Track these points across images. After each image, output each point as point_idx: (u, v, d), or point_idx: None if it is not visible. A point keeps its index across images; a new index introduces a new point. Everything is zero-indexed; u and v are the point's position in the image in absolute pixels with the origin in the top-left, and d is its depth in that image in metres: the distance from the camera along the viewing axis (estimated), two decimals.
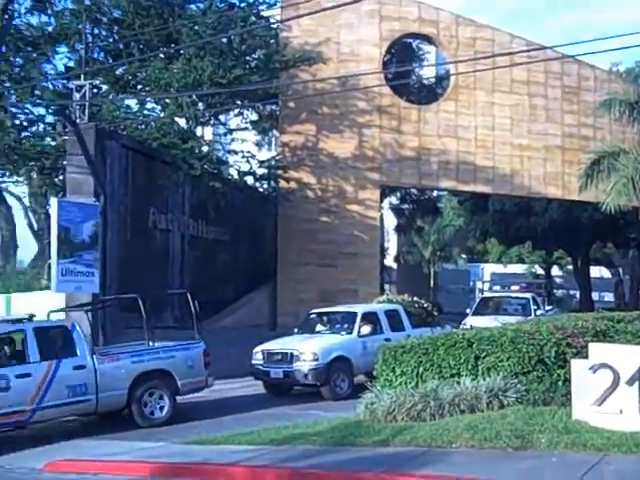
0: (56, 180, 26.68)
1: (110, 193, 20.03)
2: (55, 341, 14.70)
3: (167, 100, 25.53)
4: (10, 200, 28.78)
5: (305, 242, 27.40)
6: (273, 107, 30.88)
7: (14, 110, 27.89)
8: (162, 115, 26.01)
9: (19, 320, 14.64)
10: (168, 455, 12.15)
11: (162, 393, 15.12)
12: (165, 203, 22.66)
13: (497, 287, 29.19)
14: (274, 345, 18.24)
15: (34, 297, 19.76)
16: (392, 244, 44.56)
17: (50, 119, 28.38)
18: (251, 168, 27.38)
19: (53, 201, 20.03)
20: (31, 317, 14.90)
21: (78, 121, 20.12)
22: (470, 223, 44.06)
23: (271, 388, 18.27)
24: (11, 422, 13.89)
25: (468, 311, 25.19)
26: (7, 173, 28.43)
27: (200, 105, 27.47)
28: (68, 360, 14.29)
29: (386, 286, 35.70)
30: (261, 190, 28.69)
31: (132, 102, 27.01)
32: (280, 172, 27.73)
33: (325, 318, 19.61)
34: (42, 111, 28.18)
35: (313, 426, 13.10)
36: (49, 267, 19.32)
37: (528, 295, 26.48)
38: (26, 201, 29.81)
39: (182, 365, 15.43)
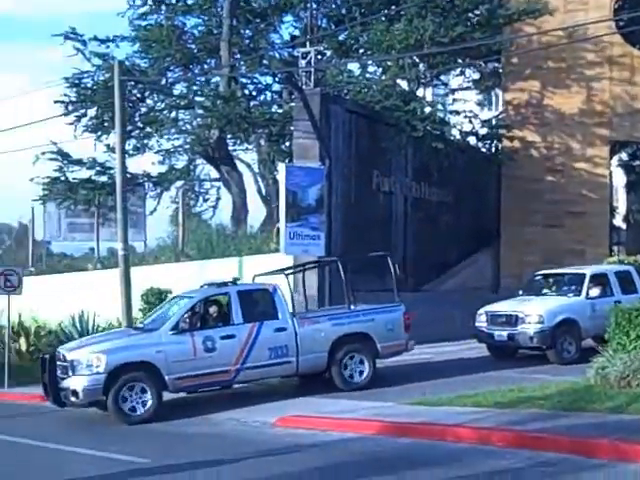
0: (283, 146, 27.62)
1: (335, 157, 20.40)
2: (258, 304, 15.03)
3: (389, 62, 25.59)
4: (240, 167, 30.09)
5: (529, 202, 26.59)
6: (496, 64, 30.11)
7: (244, 80, 29.22)
8: (384, 78, 26.13)
9: (224, 283, 15.12)
10: (394, 415, 12.28)
11: (362, 357, 15.06)
12: (388, 166, 22.78)
13: None
14: (499, 307, 17.81)
15: (264, 260, 20.54)
16: (621, 203, 42.27)
17: (277, 87, 29.49)
18: (473, 128, 26.93)
19: (281, 166, 20.70)
20: (235, 281, 15.41)
21: (304, 87, 20.63)
22: None
23: (495, 351, 17.92)
24: (217, 382, 14.48)
25: None
26: (238, 141, 29.79)
27: (421, 66, 27.35)
28: (270, 322, 14.58)
29: (614, 247, 33.92)
30: (484, 150, 28.15)
31: (354, 66, 27.36)
32: (503, 131, 27.04)
33: (551, 280, 18.94)
34: (269, 80, 29.30)
35: (540, 390, 12.82)
36: (278, 231, 20.03)
37: None
38: (255, 168, 31.13)
39: (382, 328, 15.28)
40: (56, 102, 27.51)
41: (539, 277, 19.11)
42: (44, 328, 22.42)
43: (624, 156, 37.46)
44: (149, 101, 29.02)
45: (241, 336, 14.30)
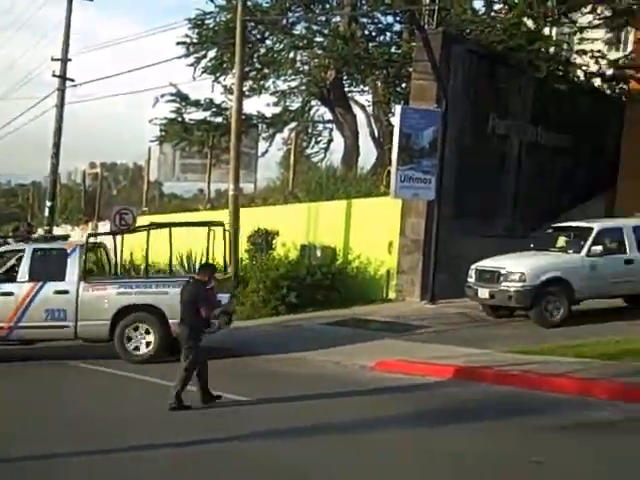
0: (399, 88, 27.11)
1: (452, 99, 19.81)
2: (49, 264, 14.50)
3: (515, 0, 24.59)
4: (355, 109, 29.75)
5: None
6: (630, 0, 28.41)
7: (364, 20, 28.74)
8: (509, 16, 25.12)
9: (52, 238, 15.58)
10: (493, 362, 12.08)
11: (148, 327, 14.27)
12: (505, 108, 21.97)
13: None
14: (488, 262, 16.24)
15: (373, 202, 20.38)
16: None
17: (397, 28, 28.83)
18: (600, 69, 25.56)
19: (397, 108, 20.28)
20: (66, 237, 15.79)
21: (426, 27, 20.07)
22: None
23: (487, 309, 16.53)
24: None
25: None
26: (354, 83, 29.45)
27: (550, 3, 26.14)
28: (53, 284, 14.15)
29: None
30: (609, 92, 26.76)
31: (479, 4, 26.45)
32: (632, 72, 25.56)
33: (563, 234, 17.16)
34: (390, 20, 28.67)
35: None
36: (388, 173, 19.72)
37: None
38: (369, 110, 30.70)
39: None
40: (178, 44, 27.90)
41: (551, 230, 17.41)
42: (153, 267, 22.91)
43: None
44: (268, 42, 28.98)
45: (19, 294, 14.06)
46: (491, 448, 8.14)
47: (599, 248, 15.57)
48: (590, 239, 15.67)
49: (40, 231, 25.70)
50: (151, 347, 13.93)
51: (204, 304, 10.40)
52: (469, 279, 16.28)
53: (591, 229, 15.97)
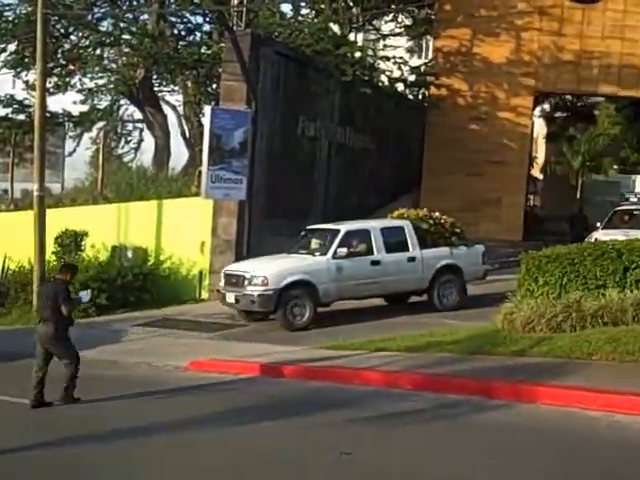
0: (209, 89, 27.12)
1: (262, 100, 20.06)
2: None
3: (322, 5, 25.23)
4: (165, 109, 29.51)
5: (452, 150, 26.67)
6: (428, 11, 29.93)
7: (173, 19, 28.49)
8: (316, 21, 25.75)
9: None
10: (305, 359, 12.38)
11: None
12: (314, 110, 22.52)
13: (634, 199, 24.19)
14: (235, 266, 16.38)
15: (184, 203, 20.29)
16: (540, 154, 42.86)
17: (207, 28, 28.80)
18: (402, 75, 26.78)
19: (207, 108, 20.32)
20: None
21: (235, 28, 20.18)
22: (627, 131, 41.68)
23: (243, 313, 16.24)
24: None
25: (598, 225, 21.06)
26: (164, 82, 29.16)
27: (355, 10, 27.03)
28: None
29: (530, 196, 34.48)
30: (411, 97, 28.08)
31: (287, 8, 26.91)
32: (431, 79, 26.97)
33: (315, 235, 17.00)
34: (200, 20, 28.61)
35: (450, 335, 12.99)
36: (199, 174, 19.71)
37: None
38: (180, 110, 30.56)
39: None
40: None
41: (304, 232, 17.13)
42: None
43: (546, 107, 37.94)
44: (73, 37, 28.11)
45: None
46: (302, 443, 8.25)
47: (344, 250, 15.53)
48: (336, 241, 15.64)
49: None
50: None
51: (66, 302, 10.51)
52: (220, 283, 16.10)
53: (337, 231, 16.00)
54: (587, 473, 7.12)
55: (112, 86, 27.74)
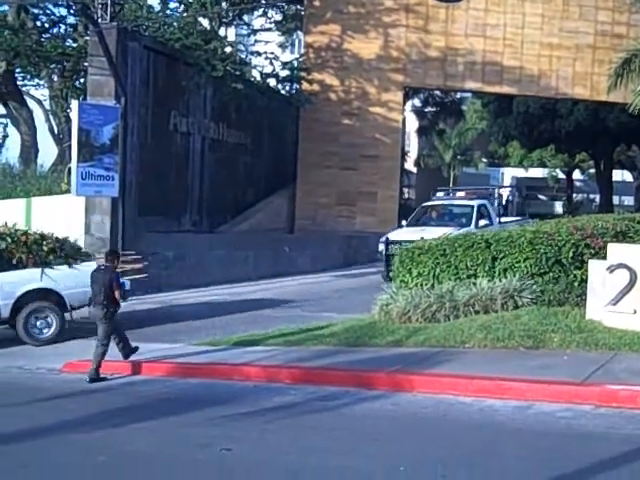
0: (77, 83, 26.43)
1: (131, 95, 19.78)
2: None
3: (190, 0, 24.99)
4: (31, 104, 28.54)
5: (326, 145, 27.06)
6: (298, 7, 30.13)
7: (35, 11, 27.55)
8: (185, 15, 25.47)
9: None
10: (182, 355, 12.31)
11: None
12: (186, 106, 22.37)
13: (440, 194, 23.47)
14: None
15: (54, 201, 19.75)
16: (413, 147, 43.95)
17: (72, 20, 28.01)
18: (274, 70, 26.87)
19: (74, 103, 19.83)
20: None
21: (100, 21, 19.73)
22: (493, 126, 43.44)
23: None
24: None
25: (404, 222, 21.40)
26: (28, 76, 28.21)
27: (224, 4, 26.87)
28: None
29: (405, 189, 35.32)
30: (283, 93, 28.22)
31: (155, 1, 26.47)
32: (303, 74, 27.19)
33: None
34: (64, 12, 27.78)
35: (327, 327, 13.15)
36: (69, 171, 19.22)
37: (474, 203, 21.17)
38: (47, 105, 29.62)
39: None
40: None
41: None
42: None
43: (417, 102, 38.90)
44: None
45: None
46: (178, 441, 8.17)
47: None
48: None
49: None
50: None
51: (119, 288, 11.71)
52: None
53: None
54: (461, 455, 7.38)
55: None
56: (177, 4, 27.22)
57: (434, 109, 39.71)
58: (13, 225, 14.75)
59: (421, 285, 12.93)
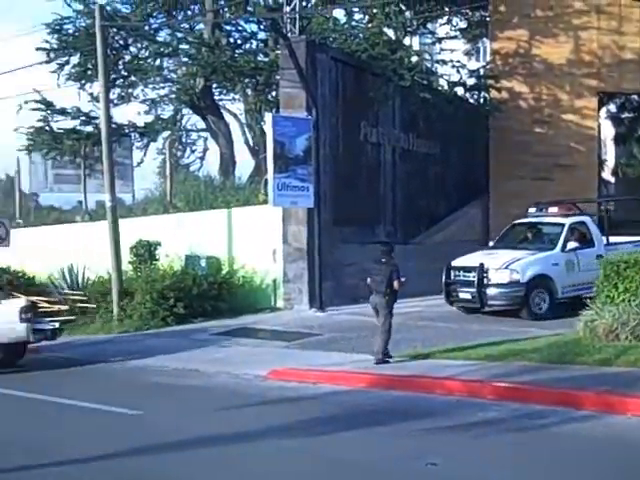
0: (269, 96, 27.37)
1: (322, 107, 20.20)
2: None
3: (374, 10, 25.28)
4: (227, 118, 29.83)
5: (518, 154, 26.43)
6: (483, 13, 29.82)
7: (229, 28, 28.82)
8: (370, 25, 25.83)
9: None
10: (384, 368, 12.48)
11: None
12: (375, 116, 22.63)
13: (532, 209, 19.70)
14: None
15: (253, 211, 20.58)
16: (609, 156, 42.05)
17: (262, 36, 29.10)
18: (461, 78, 26.69)
19: (268, 116, 20.55)
20: None
21: (289, 35, 20.36)
22: None
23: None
24: None
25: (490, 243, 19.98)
26: (224, 91, 29.47)
27: (407, 14, 27.03)
28: None
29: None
30: (471, 101, 27.99)
31: (340, 14, 27.00)
32: (491, 82, 26.88)
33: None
34: (254, 28, 28.91)
35: (530, 343, 12.98)
36: (266, 182, 19.96)
37: (566, 221, 18.11)
38: (242, 118, 30.86)
39: None
40: (38, 49, 27.06)
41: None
42: (33, 281, 22.37)
43: (612, 108, 37.25)
44: (133, 48, 28.57)
45: None
46: (386, 452, 8.23)
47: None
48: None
49: None
50: None
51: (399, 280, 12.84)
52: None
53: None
54: None
55: (174, 96, 28.16)
56: (362, 15, 27.69)
57: (632, 115, 37.98)
58: None
59: (628, 301, 12.51)
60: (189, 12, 29.64)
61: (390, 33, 27.06)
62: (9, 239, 19.09)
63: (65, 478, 7.78)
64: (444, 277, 17.34)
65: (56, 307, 14.72)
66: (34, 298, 14.51)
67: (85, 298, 16.24)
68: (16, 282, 14.96)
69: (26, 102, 26.92)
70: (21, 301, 14.36)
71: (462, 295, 17.11)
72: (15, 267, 22.18)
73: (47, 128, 27.38)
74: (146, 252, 20.00)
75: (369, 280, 13.27)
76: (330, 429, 9.22)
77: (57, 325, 14.71)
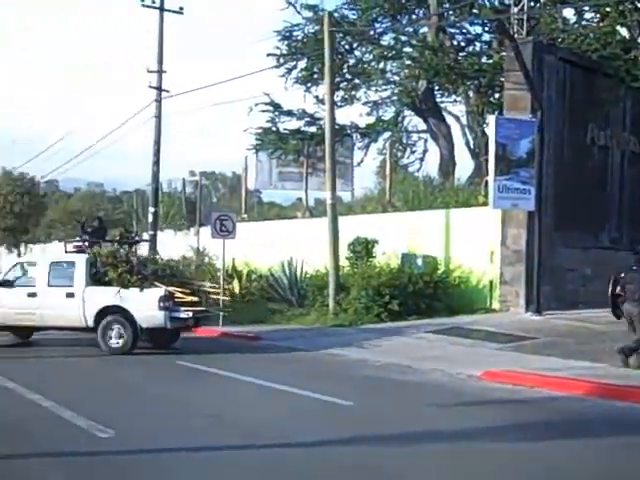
0: (492, 98, 27.00)
1: (547, 109, 19.68)
2: None
3: (607, 8, 24.25)
4: (448, 120, 29.75)
5: None
6: None
7: (452, 31, 28.76)
8: (602, 24, 24.80)
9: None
10: (605, 376, 11.89)
11: None
12: (604, 118, 21.69)
13: None
14: None
15: (471, 213, 20.39)
16: None
17: (486, 37, 28.79)
18: None
19: (491, 118, 20.25)
20: None
21: (516, 36, 19.99)
22: None
23: None
24: None
25: None
26: (446, 93, 29.45)
27: None
28: None
29: None
30: None
31: (569, 13, 26.14)
32: None
33: None
34: (479, 30, 28.66)
35: None
36: (486, 184, 19.70)
37: None
38: (463, 120, 30.67)
39: None
40: (268, 55, 28.50)
41: None
42: (255, 272, 23.49)
43: None
44: (357, 52, 29.35)
45: None
46: (603, 465, 7.81)
47: None
48: None
49: (145, 235, 26.48)
50: None
51: None
52: None
53: None
54: None
55: (396, 98, 28.56)
56: (593, 14, 26.63)
57: None
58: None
59: None
60: (413, 16, 29.90)
61: (623, 32, 25.87)
62: (235, 232, 20.15)
63: (292, 462, 7.90)
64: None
65: (188, 298, 15.39)
66: (172, 289, 15.40)
67: (218, 291, 16.76)
68: (161, 273, 15.87)
69: (256, 104, 28.43)
70: (161, 291, 15.42)
71: None
72: (239, 258, 23.44)
73: (274, 129, 28.73)
74: (363, 249, 20.35)
75: (618, 289, 12.59)
76: (542, 435, 8.90)
77: (190, 315, 15.48)
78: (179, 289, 15.37)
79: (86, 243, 17.31)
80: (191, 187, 34.82)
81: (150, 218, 27.36)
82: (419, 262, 20.00)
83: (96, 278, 15.88)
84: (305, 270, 21.66)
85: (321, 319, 19.22)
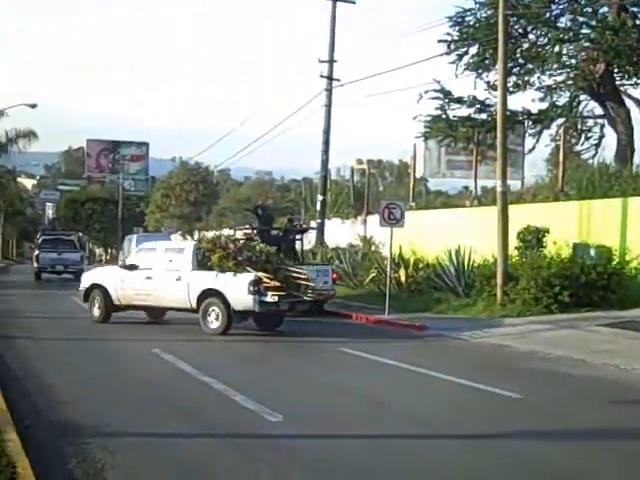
0: None
1: None
2: None
3: None
4: (628, 103, 28.29)
5: None
6: None
7: (635, 9, 27.33)
8: None
9: None
10: None
11: None
12: None
13: None
14: None
15: None
16: None
17: None
18: None
19: None
20: None
21: None
22: None
23: None
24: None
25: None
26: (626, 75, 28.06)
27: None
28: None
29: None
30: None
31: None
32: None
33: None
34: None
35: None
36: None
37: None
38: None
39: None
40: (439, 42, 28.12)
41: None
42: (422, 261, 23.32)
43: None
44: (531, 36, 28.43)
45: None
46: None
47: None
48: None
49: (313, 224, 26.90)
50: None
51: None
52: None
53: None
54: None
55: (571, 82, 27.52)
56: None
57: None
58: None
59: None
60: None
61: None
62: (403, 220, 20.06)
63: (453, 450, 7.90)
64: None
65: (272, 283, 15.79)
66: (260, 274, 15.87)
67: (305, 277, 16.54)
68: (255, 259, 16.37)
69: (426, 92, 28.13)
70: (251, 276, 16.03)
71: None
72: (405, 247, 23.35)
73: (443, 116, 28.32)
74: (533, 238, 19.73)
75: None
76: None
77: (277, 299, 15.84)
78: (265, 274, 15.88)
79: (254, 231, 17.82)
80: (358, 175, 34.98)
81: (318, 206, 27.75)
82: (592, 252, 19.13)
83: (202, 263, 16.89)
84: (472, 259, 21.28)
85: (488, 309, 18.81)
